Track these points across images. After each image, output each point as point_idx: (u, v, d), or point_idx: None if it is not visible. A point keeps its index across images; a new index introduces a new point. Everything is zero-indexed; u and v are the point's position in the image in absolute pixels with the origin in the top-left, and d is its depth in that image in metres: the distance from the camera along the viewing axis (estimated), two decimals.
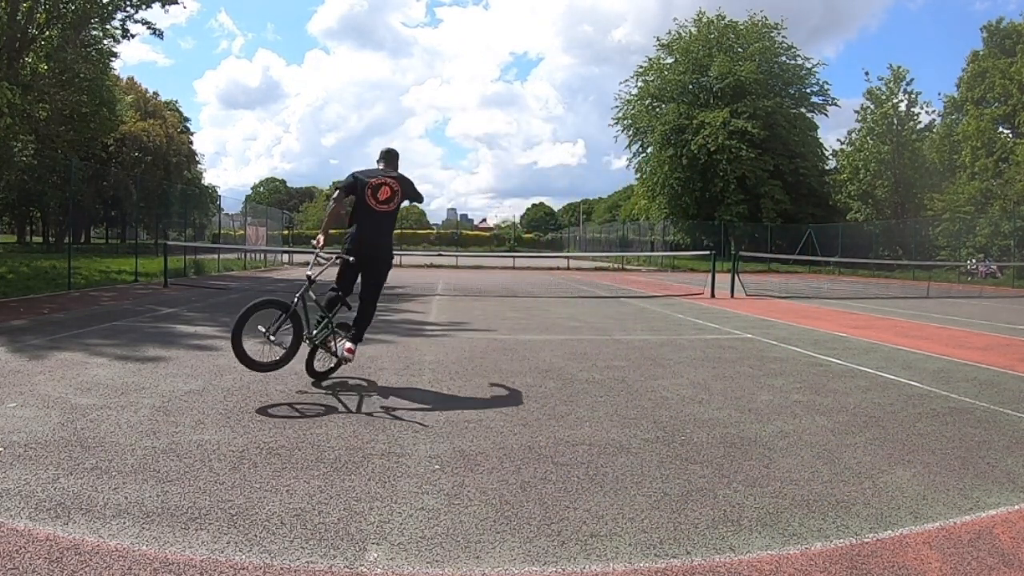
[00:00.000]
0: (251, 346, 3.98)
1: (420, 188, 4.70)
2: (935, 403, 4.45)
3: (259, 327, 3.99)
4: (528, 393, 4.41)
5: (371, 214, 4.38)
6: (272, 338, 4.01)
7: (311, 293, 4.24)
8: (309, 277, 4.26)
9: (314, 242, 4.41)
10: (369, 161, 4.86)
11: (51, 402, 3.77)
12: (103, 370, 4.72)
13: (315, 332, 4.28)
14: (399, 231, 59.90)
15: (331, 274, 4.51)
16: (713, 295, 13.87)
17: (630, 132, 42.87)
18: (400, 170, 4.61)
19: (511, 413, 3.88)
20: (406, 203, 4.70)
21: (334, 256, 4.41)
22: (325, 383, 4.45)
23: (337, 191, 4.47)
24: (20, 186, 26.81)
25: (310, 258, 4.55)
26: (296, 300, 4.10)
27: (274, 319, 4.04)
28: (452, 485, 2.71)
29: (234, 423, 3.48)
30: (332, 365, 4.55)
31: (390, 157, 4.64)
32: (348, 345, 4.30)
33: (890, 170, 32.60)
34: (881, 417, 3.98)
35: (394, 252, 4.62)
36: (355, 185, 4.39)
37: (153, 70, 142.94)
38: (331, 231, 4.50)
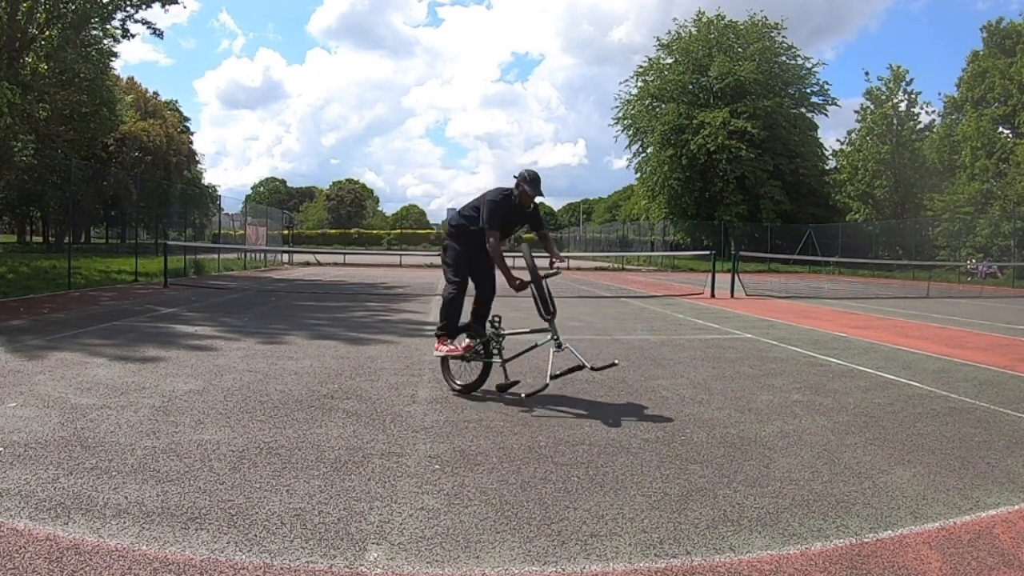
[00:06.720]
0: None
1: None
2: (935, 403, 4.45)
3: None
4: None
5: None
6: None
7: None
8: None
9: None
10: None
11: (51, 402, 3.77)
12: (103, 370, 4.72)
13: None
14: (399, 231, 60.65)
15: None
16: (713, 295, 13.87)
17: (630, 132, 42.86)
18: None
19: (511, 413, 3.88)
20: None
21: None
22: (325, 386, 4.45)
23: None
24: (20, 186, 26.79)
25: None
26: None
27: None
28: (452, 485, 2.71)
29: (234, 423, 3.48)
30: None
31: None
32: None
33: (890, 170, 32.58)
34: (881, 417, 3.98)
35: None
36: None
37: (153, 70, 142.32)
38: None
